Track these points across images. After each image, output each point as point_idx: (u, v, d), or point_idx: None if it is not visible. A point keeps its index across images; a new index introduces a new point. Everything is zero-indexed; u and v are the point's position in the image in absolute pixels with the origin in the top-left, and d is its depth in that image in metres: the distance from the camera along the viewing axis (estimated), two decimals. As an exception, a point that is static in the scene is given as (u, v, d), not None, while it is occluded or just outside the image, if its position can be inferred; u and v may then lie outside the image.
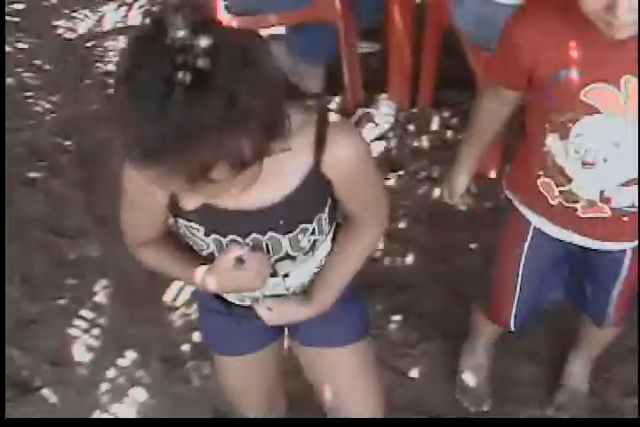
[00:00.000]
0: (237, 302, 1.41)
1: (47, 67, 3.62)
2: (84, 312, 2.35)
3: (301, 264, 1.32)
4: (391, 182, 2.79)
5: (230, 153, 0.94)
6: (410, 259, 2.50)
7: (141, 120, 0.89)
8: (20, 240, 2.61)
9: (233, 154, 0.94)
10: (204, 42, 0.89)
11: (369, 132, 2.98)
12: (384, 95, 3.12)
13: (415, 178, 2.81)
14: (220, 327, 1.51)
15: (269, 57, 0.98)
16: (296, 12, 2.89)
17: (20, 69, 3.62)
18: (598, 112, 1.33)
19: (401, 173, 2.83)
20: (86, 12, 4.00)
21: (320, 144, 1.15)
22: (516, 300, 1.72)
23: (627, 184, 1.42)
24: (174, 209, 1.21)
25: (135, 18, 3.98)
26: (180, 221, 1.24)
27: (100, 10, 3.99)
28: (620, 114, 1.32)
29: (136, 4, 4.07)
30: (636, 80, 1.29)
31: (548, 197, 1.52)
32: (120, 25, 3.91)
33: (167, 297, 2.37)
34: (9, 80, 3.54)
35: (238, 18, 2.86)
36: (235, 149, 0.94)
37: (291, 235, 1.23)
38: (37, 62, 3.66)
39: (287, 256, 1.28)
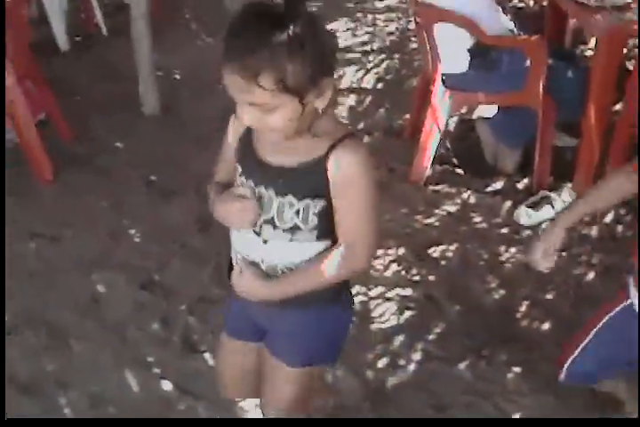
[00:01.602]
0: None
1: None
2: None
3: (279, 240, 1.56)
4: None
5: (275, 68, 1.32)
6: (546, 326, 2.72)
7: (229, 36, 1.35)
8: (223, 241, 3.09)
9: (277, 69, 1.32)
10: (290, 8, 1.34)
11: (544, 212, 3.25)
12: (569, 184, 3.38)
13: (575, 260, 3.03)
14: (234, 309, 1.81)
15: (330, 38, 1.42)
16: (504, 95, 3.26)
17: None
18: None
19: (564, 253, 3.07)
20: (329, 69, 4.58)
21: (332, 147, 1.46)
22: (578, 350, 1.94)
23: None
24: (237, 151, 1.60)
25: (369, 82, 4.52)
26: (236, 164, 1.61)
27: (341, 69, 4.56)
28: None
29: (373, 71, 4.62)
30: None
31: None
32: (354, 85, 4.46)
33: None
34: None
35: (449, 92, 3.27)
36: (279, 67, 1.32)
37: (281, 199, 1.51)
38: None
39: (272, 222, 1.54)
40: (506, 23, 3.32)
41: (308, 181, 1.50)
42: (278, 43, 1.31)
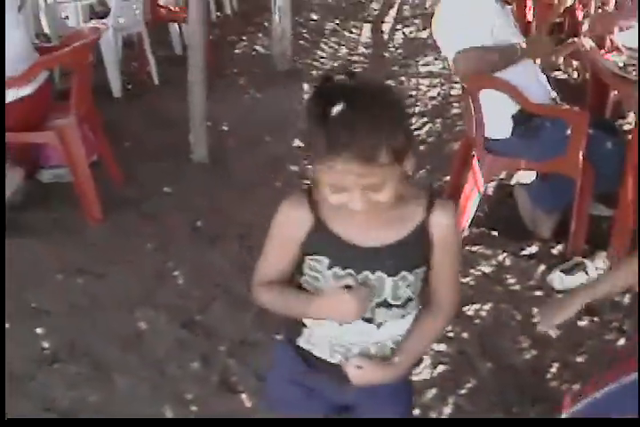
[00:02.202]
0: (327, 358, 1.61)
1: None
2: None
3: (393, 320, 1.54)
4: (583, 324, 3.10)
5: (390, 142, 1.31)
6: (576, 387, 2.76)
7: (325, 125, 1.31)
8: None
9: (392, 143, 1.32)
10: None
11: (578, 278, 3.32)
12: (603, 252, 3.45)
13: (607, 326, 3.09)
14: (291, 398, 1.70)
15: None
16: (544, 163, 3.37)
17: (305, 162, 4.37)
18: None
19: (595, 319, 3.13)
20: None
21: (429, 209, 1.48)
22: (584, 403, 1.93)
23: None
24: (309, 245, 1.51)
25: (411, 143, 4.66)
26: (308, 258, 1.52)
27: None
28: None
29: (415, 133, 4.76)
30: None
31: None
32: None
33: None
34: (294, 168, 4.30)
35: (491, 156, 3.38)
36: (393, 140, 1.32)
37: (394, 278, 1.48)
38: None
39: (385, 303, 1.51)
40: (549, 92, 3.45)
41: (417, 251, 1.51)
42: (384, 116, 1.32)
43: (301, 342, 1.64)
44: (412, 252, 1.50)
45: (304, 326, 1.61)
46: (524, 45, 3.32)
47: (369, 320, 1.53)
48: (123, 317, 3.02)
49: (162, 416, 2.54)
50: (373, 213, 1.43)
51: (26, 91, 3.33)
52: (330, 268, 1.50)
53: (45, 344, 2.86)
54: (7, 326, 2.91)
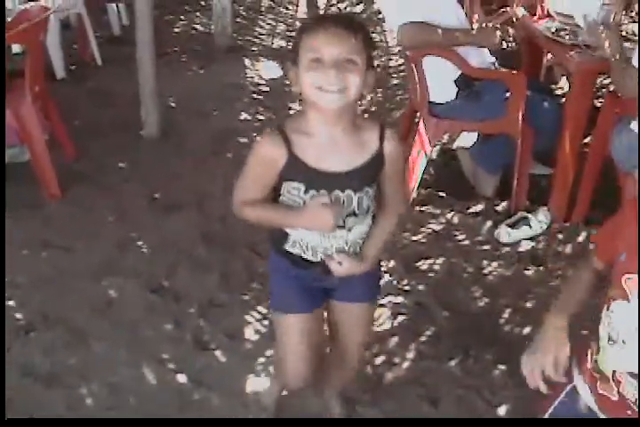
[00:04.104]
0: (310, 258, 1.93)
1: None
2: (260, 308, 2.99)
3: (359, 224, 1.89)
4: (530, 272, 3.30)
5: (363, 35, 1.68)
6: (527, 330, 2.95)
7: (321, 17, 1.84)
8: (227, 252, 3.34)
9: (364, 37, 1.68)
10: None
11: (523, 232, 3.52)
12: (544, 207, 3.66)
13: (552, 274, 3.30)
14: (288, 289, 2.02)
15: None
16: (486, 123, 3.55)
17: (254, 134, 4.49)
18: (628, 300, 1.48)
19: (541, 268, 3.34)
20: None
21: (382, 137, 1.80)
22: None
23: (634, 376, 1.49)
24: (286, 174, 1.78)
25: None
26: (286, 184, 1.81)
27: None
28: None
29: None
30: None
31: (588, 359, 1.63)
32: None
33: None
34: (244, 140, 4.41)
35: (435, 119, 3.54)
36: (364, 37, 1.69)
37: (359, 194, 1.83)
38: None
39: (353, 213, 1.85)
40: (488, 58, 3.62)
41: (375, 170, 1.85)
42: (361, 27, 1.71)
43: (288, 247, 1.95)
44: (372, 171, 1.84)
45: (288, 234, 1.92)
46: (472, 33, 3.46)
47: (342, 227, 1.87)
48: (91, 286, 3.11)
49: (142, 375, 2.65)
50: (338, 138, 1.77)
51: (-20, 70, 3.37)
52: (306, 192, 1.81)
53: (18, 315, 2.94)
54: (-23, 300, 2.98)
